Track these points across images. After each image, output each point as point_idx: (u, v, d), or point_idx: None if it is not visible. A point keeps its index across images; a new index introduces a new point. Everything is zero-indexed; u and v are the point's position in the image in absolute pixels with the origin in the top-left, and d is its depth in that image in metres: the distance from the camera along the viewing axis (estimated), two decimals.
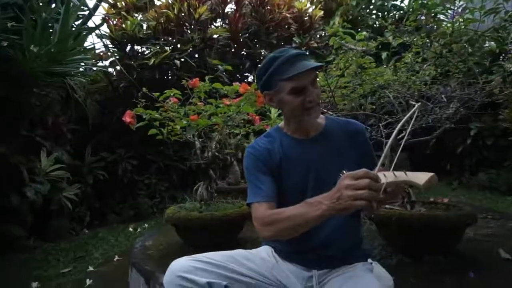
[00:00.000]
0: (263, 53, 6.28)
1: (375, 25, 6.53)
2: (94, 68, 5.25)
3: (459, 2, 2.34)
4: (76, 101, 4.39)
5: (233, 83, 2.51)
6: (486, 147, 5.03)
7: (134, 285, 2.20)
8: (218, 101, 2.31)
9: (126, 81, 5.03)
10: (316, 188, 1.19)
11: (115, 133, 4.99)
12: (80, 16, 4.43)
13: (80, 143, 4.79)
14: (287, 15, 6.27)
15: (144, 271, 2.05)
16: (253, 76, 6.17)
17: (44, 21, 3.35)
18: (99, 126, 5.03)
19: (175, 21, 5.40)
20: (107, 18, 5.57)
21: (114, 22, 5.39)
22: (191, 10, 5.38)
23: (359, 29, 6.21)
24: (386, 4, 6.86)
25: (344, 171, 0.97)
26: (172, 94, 2.51)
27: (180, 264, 1.20)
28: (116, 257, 3.20)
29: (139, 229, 4.23)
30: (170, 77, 5.48)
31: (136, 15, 5.87)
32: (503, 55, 3.58)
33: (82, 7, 4.24)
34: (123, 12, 5.70)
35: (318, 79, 2.63)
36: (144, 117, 2.35)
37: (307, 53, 1.40)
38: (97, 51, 5.46)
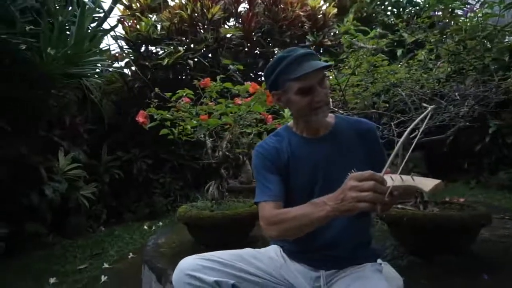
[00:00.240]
0: (276, 51, 6.26)
1: (389, 22, 6.42)
2: (110, 69, 5.36)
3: None
4: (92, 101, 4.49)
5: (246, 82, 2.51)
6: (506, 145, 4.88)
7: (147, 282, 2.24)
8: (228, 101, 2.32)
9: (140, 82, 5.11)
10: (324, 187, 1.18)
11: (130, 133, 5.08)
12: (96, 18, 4.53)
13: (96, 142, 4.91)
14: (300, 13, 6.24)
15: (156, 269, 2.09)
16: None
17: (61, 24, 3.43)
18: (114, 126, 5.14)
19: (188, 21, 5.45)
20: (122, 19, 5.67)
21: (129, 24, 5.48)
22: (204, 10, 5.42)
23: (373, 26, 6.12)
24: (401, 0, 6.74)
25: (353, 171, 0.96)
26: (184, 94, 2.54)
27: (189, 263, 1.21)
28: (131, 255, 3.26)
29: (153, 227, 4.30)
30: (184, 77, 5.53)
31: (151, 16, 5.95)
32: None
33: (97, 10, 4.33)
34: (137, 13, 5.80)
35: (330, 78, 2.62)
36: (155, 117, 2.38)
37: (316, 52, 1.38)
38: (112, 52, 5.58)
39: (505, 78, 2.06)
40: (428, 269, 1.85)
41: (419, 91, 2.18)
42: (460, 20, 2.41)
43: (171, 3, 6.05)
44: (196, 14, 5.50)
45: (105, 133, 5.01)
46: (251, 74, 6.23)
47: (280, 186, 1.26)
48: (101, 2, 4.49)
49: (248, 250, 1.34)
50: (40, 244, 3.74)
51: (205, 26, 5.63)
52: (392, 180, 0.92)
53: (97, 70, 4.65)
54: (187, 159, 5.37)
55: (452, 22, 2.35)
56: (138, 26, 5.38)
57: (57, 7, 3.61)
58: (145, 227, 4.34)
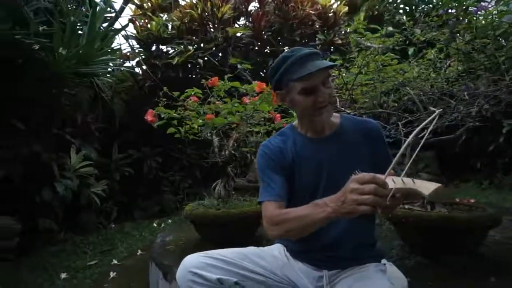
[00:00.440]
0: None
1: (401, 21, 6.34)
2: (122, 68, 5.44)
3: None
4: (104, 100, 4.56)
5: (255, 82, 2.51)
6: None
7: (154, 278, 2.27)
8: (234, 100, 2.33)
9: (151, 81, 5.17)
10: (329, 187, 1.17)
11: (141, 131, 5.13)
12: (108, 18, 4.60)
13: (107, 141, 4.98)
14: (311, 11, 6.21)
15: (162, 266, 2.12)
16: None
17: (73, 24, 3.49)
18: (125, 125, 5.20)
19: (198, 21, 5.48)
20: (133, 19, 5.74)
21: (140, 23, 5.55)
22: (214, 9, 5.44)
23: (384, 25, 6.05)
24: None
25: (357, 171, 0.95)
26: (193, 93, 2.56)
27: (192, 260, 1.23)
28: (139, 251, 3.31)
29: (163, 225, 4.35)
30: (194, 76, 5.57)
31: (162, 15, 6.00)
32: None
33: (109, 10, 4.39)
34: (149, 13, 5.86)
35: (338, 77, 2.61)
36: (162, 116, 2.41)
37: (321, 52, 1.37)
38: (124, 52, 5.65)
39: None
40: (435, 270, 1.83)
41: (428, 90, 2.14)
42: (474, 18, 2.37)
43: (182, 3, 6.10)
44: (206, 14, 5.53)
45: (116, 131, 5.08)
46: (261, 73, 6.23)
47: (284, 186, 1.26)
48: (113, 2, 4.56)
49: (251, 249, 1.35)
50: (52, 240, 3.81)
51: (215, 25, 5.66)
52: (394, 182, 0.91)
53: (109, 69, 4.72)
54: (194, 157, 5.40)
55: (466, 19, 2.30)
56: (149, 26, 5.44)
57: (70, 8, 3.68)
58: (155, 224, 4.39)
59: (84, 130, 4.49)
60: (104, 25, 4.39)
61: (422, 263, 1.91)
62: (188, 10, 5.53)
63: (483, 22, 2.16)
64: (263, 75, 6.30)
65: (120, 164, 4.98)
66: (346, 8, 6.45)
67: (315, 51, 1.23)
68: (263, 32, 6.08)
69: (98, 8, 3.82)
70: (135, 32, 5.51)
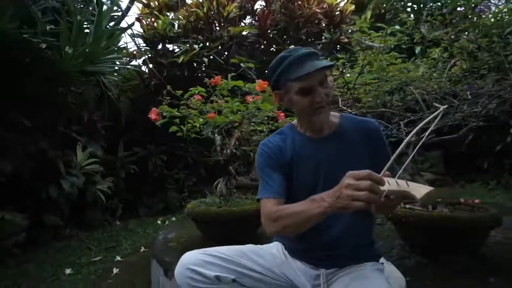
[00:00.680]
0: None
1: (403, 20, 6.28)
2: (128, 67, 5.48)
3: None
4: (110, 98, 4.60)
5: (258, 80, 2.51)
6: None
7: (155, 275, 2.29)
8: (235, 99, 2.34)
9: (157, 79, 5.20)
10: (327, 187, 1.17)
11: (147, 129, 5.17)
12: (115, 17, 4.64)
13: (113, 138, 5.03)
14: (317, 10, 6.19)
15: (163, 263, 2.14)
16: None
17: (80, 23, 3.53)
18: (131, 123, 5.25)
19: (204, 19, 5.50)
20: (140, 18, 5.78)
21: (147, 22, 5.59)
22: (220, 8, 5.45)
23: (391, 23, 6.01)
24: None
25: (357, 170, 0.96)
26: (196, 92, 2.58)
27: (191, 257, 1.24)
28: (143, 248, 3.35)
29: (167, 222, 4.39)
30: (199, 75, 5.59)
31: (168, 14, 6.03)
32: None
33: (115, 9, 4.43)
34: (155, 12, 5.89)
35: (340, 76, 2.60)
36: (164, 114, 2.42)
37: (318, 52, 1.37)
38: (130, 50, 5.70)
39: None
40: (435, 270, 1.82)
41: (432, 89, 2.13)
42: (479, 16, 2.34)
43: (188, 1, 6.12)
44: (212, 12, 5.54)
45: (122, 129, 5.14)
46: (266, 72, 6.23)
47: (282, 183, 1.27)
48: (119, 2, 4.59)
49: (250, 246, 1.36)
50: (58, 236, 3.88)
51: (221, 24, 5.67)
52: (389, 184, 0.91)
53: (115, 68, 4.76)
54: (198, 156, 5.42)
55: (475, 18, 2.28)
56: (155, 24, 5.47)
57: (77, 7, 3.72)
58: (159, 221, 4.43)
59: (90, 128, 4.54)
60: (111, 24, 4.43)
61: (422, 263, 1.90)
62: (194, 9, 5.55)
63: (492, 20, 2.13)
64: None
65: (126, 162, 5.03)
66: (353, 7, 6.41)
67: (313, 51, 1.23)
68: (269, 31, 6.07)
69: (104, 7, 3.85)
70: (141, 30, 5.55)
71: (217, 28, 5.71)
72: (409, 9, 6.91)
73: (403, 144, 1.05)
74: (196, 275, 1.20)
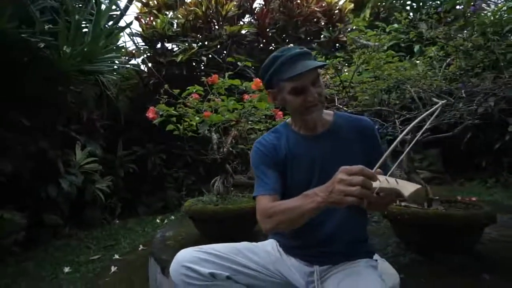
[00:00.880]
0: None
1: (408, 18, 6.29)
2: (127, 66, 5.49)
3: None
4: (109, 97, 4.61)
5: (255, 79, 2.52)
6: None
7: (152, 273, 2.30)
8: (230, 98, 2.35)
9: (156, 78, 5.21)
10: (321, 184, 1.18)
11: (146, 128, 5.19)
12: (113, 16, 4.64)
13: (112, 137, 5.05)
14: (316, 9, 6.20)
15: (160, 260, 2.15)
16: None
17: (78, 22, 3.54)
18: (130, 122, 5.26)
19: (203, 18, 5.51)
20: (139, 17, 5.79)
21: (146, 21, 5.59)
22: (219, 7, 5.46)
23: (390, 22, 6.01)
24: None
25: None
26: (194, 91, 2.59)
27: (186, 255, 1.25)
28: (141, 247, 3.36)
29: (166, 221, 4.40)
30: (198, 74, 5.60)
31: (167, 13, 6.04)
32: None
33: (114, 8, 4.43)
34: (154, 11, 5.90)
35: (336, 75, 2.61)
36: (160, 113, 2.43)
37: (311, 51, 1.37)
38: (130, 49, 5.71)
39: None
40: (430, 267, 1.83)
41: (427, 87, 2.14)
42: (482, 14, 2.35)
43: (187, 0, 6.12)
44: (210, 11, 5.55)
45: (121, 128, 5.15)
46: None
47: (277, 180, 1.28)
48: (118, 1, 4.59)
49: (245, 244, 1.37)
50: (58, 235, 3.90)
51: (220, 23, 5.67)
52: (379, 181, 0.92)
53: (115, 67, 4.77)
54: (193, 154, 5.43)
55: (468, 15, 2.29)
56: (154, 23, 5.48)
57: (75, 6, 3.72)
58: (158, 220, 4.45)
59: (89, 127, 4.55)
60: (110, 23, 4.43)
61: (417, 260, 1.91)
62: (192, 8, 5.56)
63: (492, 18, 2.14)
64: None
65: (125, 161, 5.04)
66: (352, 5, 6.42)
67: (306, 51, 1.24)
68: (268, 30, 6.08)
69: (102, 6, 3.86)
70: (140, 29, 5.55)
71: (216, 27, 5.72)
72: (408, 8, 6.92)
73: (396, 141, 1.06)
74: (191, 272, 1.21)
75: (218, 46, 5.49)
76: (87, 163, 4.23)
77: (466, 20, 2.13)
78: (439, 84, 2.10)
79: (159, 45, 5.71)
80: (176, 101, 2.59)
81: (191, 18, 5.53)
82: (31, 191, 3.69)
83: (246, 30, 5.93)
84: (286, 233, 1.33)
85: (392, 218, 2.02)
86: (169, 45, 5.76)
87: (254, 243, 1.40)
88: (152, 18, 5.69)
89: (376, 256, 1.37)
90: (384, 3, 6.77)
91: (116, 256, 3.15)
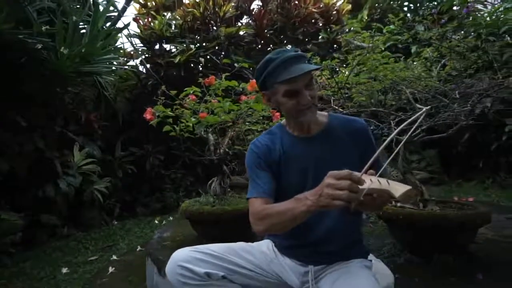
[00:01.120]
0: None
1: (405, 19, 6.31)
2: (126, 67, 5.49)
3: None
4: (107, 98, 4.61)
5: (252, 80, 2.53)
6: None
7: (150, 273, 2.32)
8: (226, 99, 2.36)
9: (154, 79, 5.22)
10: (316, 185, 1.19)
11: (144, 129, 5.19)
12: (112, 17, 4.65)
13: (110, 138, 5.06)
14: (313, 10, 6.22)
15: (157, 261, 2.16)
16: None
17: (75, 24, 3.54)
18: (129, 123, 5.27)
19: (201, 19, 5.52)
20: (137, 18, 5.80)
21: (144, 22, 5.60)
22: (216, 8, 5.47)
23: (387, 23, 6.03)
24: None
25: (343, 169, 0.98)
26: (192, 92, 2.60)
27: (181, 254, 1.26)
28: (139, 247, 3.37)
29: (164, 222, 4.40)
30: (196, 74, 5.61)
31: (165, 14, 6.05)
32: None
33: (111, 9, 4.44)
34: (152, 12, 5.91)
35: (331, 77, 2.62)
36: (157, 114, 2.44)
37: (305, 54, 1.39)
38: (128, 50, 5.72)
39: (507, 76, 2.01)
40: (425, 267, 1.85)
41: (421, 89, 2.15)
42: (478, 15, 2.36)
43: (186, 1, 6.14)
44: (208, 12, 5.56)
45: (119, 129, 5.15)
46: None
47: (271, 183, 1.29)
48: (115, 2, 4.61)
49: (240, 244, 1.38)
50: (55, 235, 3.90)
51: (218, 24, 5.69)
52: (371, 181, 0.94)
53: (113, 68, 4.77)
54: (191, 155, 5.43)
55: (459, 16, 2.31)
56: (152, 25, 5.49)
57: (72, 7, 3.73)
58: (156, 221, 4.45)
59: (87, 128, 4.56)
60: (107, 24, 4.44)
61: (412, 261, 1.93)
62: (190, 9, 5.58)
63: (488, 19, 2.15)
64: None
65: (123, 162, 5.05)
66: (349, 6, 6.44)
67: (300, 54, 1.25)
68: (266, 31, 6.10)
69: (100, 7, 3.87)
70: (138, 31, 5.57)
71: (214, 28, 5.73)
72: (406, 9, 6.94)
73: (385, 143, 1.08)
74: (186, 271, 1.22)
75: (216, 47, 5.50)
76: (85, 164, 4.24)
77: (460, 22, 2.15)
78: (434, 85, 2.11)
79: (157, 46, 5.72)
80: (172, 102, 2.60)
81: (189, 19, 5.55)
82: (29, 192, 3.69)
83: (244, 31, 5.95)
84: (281, 234, 1.33)
85: (388, 219, 2.03)
86: (167, 46, 5.79)
87: (250, 244, 1.41)
88: (150, 19, 5.70)
89: (371, 257, 1.38)
90: (381, 4, 6.79)
91: (114, 257, 3.15)
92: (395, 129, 2.07)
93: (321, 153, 1.29)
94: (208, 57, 5.35)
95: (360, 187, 0.92)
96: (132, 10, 6.10)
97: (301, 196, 1.06)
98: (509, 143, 4.78)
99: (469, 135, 4.99)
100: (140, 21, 5.71)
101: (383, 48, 2.23)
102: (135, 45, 5.65)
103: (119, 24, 4.88)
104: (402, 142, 1.16)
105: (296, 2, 6.21)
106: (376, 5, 6.67)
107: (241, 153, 3.09)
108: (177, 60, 5.03)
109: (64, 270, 2.93)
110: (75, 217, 4.24)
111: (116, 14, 4.73)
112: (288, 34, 6.26)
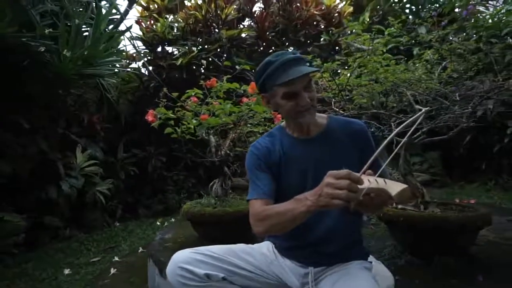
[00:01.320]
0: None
1: (406, 21, 6.31)
2: (128, 69, 5.52)
3: None
4: (109, 100, 4.64)
5: (252, 82, 2.54)
6: None
7: (151, 275, 2.32)
8: (227, 101, 2.37)
9: (156, 81, 5.24)
10: (315, 187, 1.20)
11: (146, 131, 5.20)
12: (114, 20, 4.68)
13: (113, 140, 5.07)
14: (315, 12, 6.23)
15: (159, 262, 2.17)
16: None
17: (78, 26, 3.57)
18: (131, 124, 5.29)
19: (202, 22, 5.55)
20: (140, 21, 5.83)
21: (146, 25, 5.64)
22: (218, 11, 5.50)
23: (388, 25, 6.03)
24: None
25: None
26: (193, 94, 2.61)
27: (182, 256, 1.27)
28: (140, 249, 3.38)
29: (166, 223, 4.41)
30: (198, 77, 5.63)
31: (167, 16, 6.08)
32: None
33: (114, 12, 4.47)
34: (154, 14, 5.94)
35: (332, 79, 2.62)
36: (158, 116, 2.46)
37: (305, 56, 1.40)
38: (130, 53, 5.74)
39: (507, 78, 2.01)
40: (425, 269, 1.85)
41: (422, 91, 2.15)
42: (480, 17, 2.36)
43: (187, 4, 6.16)
44: (210, 15, 5.59)
45: (121, 131, 5.17)
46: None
47: (271, 184, 1.30)
48: (118, 5, 4.64)
49: (241, 246, 1.39)
50: (58, 237, 3.92)
51: (220, 27, 5.71)
52: (369, 182, 0.95)
53: (115, 70, 4.80)
54: (192, 157, 5.44)
55: (472, 19, 2.30)
56: (154, 27, 5.52)
57: (75, 10, 3.76)
58: (158, 223, 4.46)
59: (90, 130, 4.58)
60: (110, 27, 4.47)
61: (412, 263, 1.93)
62: (192, 12, 5.60)
63: (490, 21, 2.15)
64: None
65: (125, 163, 5.06)
66: (351, 9, 6.45)
67: (299, 57, 1.26)
68: (268, 33, 6.12)
69: (103, 10, 3.90)
70: (140, 33, 5.60)
71: (216, 30, 5.76)
72: (407, 11, 6.94)
73: (383, 144, 1.08)
74: (187, 273, 1.23)
75: (218, 50, 5.53)
76: (88, 165, 4.26)
77: (460, 24, 2.15)
78: (434, 87, 2.12)
79: (159, 49, 5.75)
80: (174, 104, 2.61)
81: (191, 22, 5.57)
82: (32, 194, 3.71)
83: (246, 34, 5.97)
84: (281, 235, 1.34)
85: (388, 220, 2.03)
86: (169, 49, 5.82)
87: (250, 245, 1.42)
88: (152, 22, 5.73)
89: (371, 258, 1.38)
90: (383, 7, 6.80)
91: (116, 258, 3.17)
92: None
93: (320, 155, 1.30)
94: (210, 59, 5.37)
95: (359, 187, 0.93)
96: (135, 12, 6.14)
97: (300, 196, 1.07)
98: (511, 145, 4.77)
99: (471, 137, 4.98)
100: (142, 23, 5.74)
101: (384, 50, 2.24)
102: (137, 48, 5.69)
103: (122, 27, 4.93)
104: (401, 143, 1.17)
105: (298, 4, 6.23)
106: (378, 7, 6.66)
107: (243, 155, 3.10)
108: (179, 62, 5.05)
109: (66, 271, 2.94)
110: (78, 219, 4.26)
111: (118, 16, 4.77)
112: (290, 36, 6.28)
